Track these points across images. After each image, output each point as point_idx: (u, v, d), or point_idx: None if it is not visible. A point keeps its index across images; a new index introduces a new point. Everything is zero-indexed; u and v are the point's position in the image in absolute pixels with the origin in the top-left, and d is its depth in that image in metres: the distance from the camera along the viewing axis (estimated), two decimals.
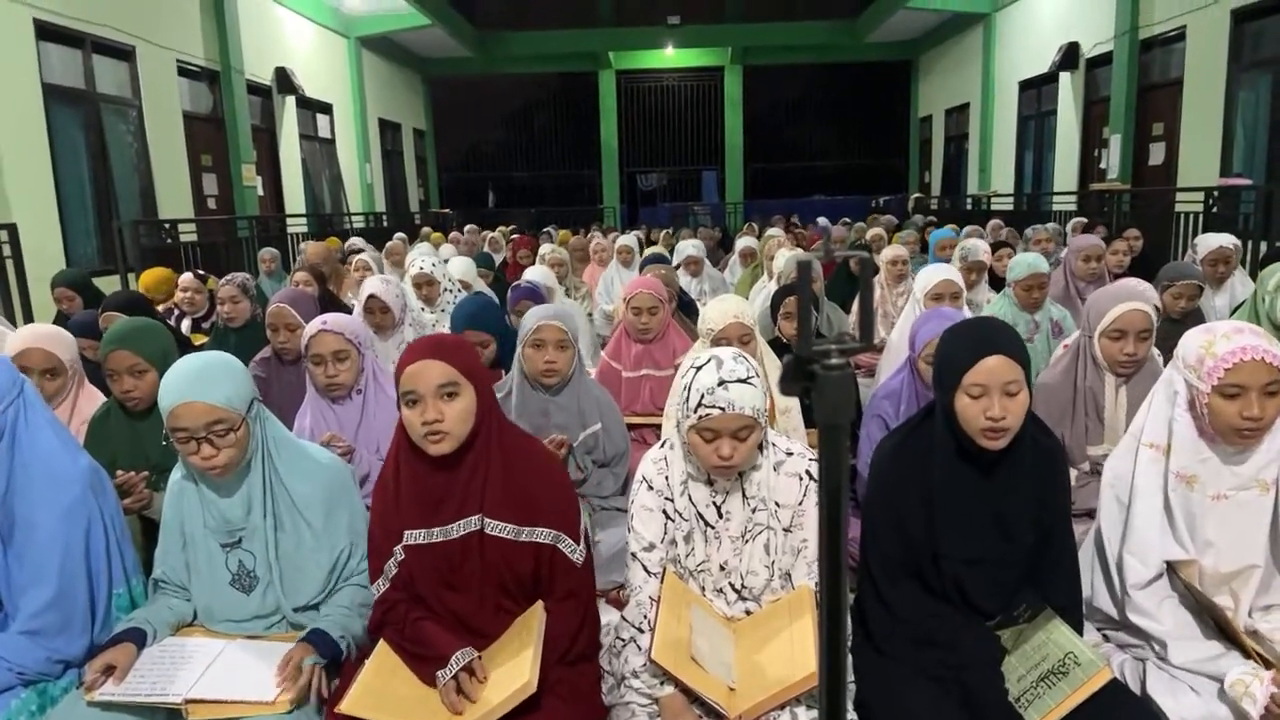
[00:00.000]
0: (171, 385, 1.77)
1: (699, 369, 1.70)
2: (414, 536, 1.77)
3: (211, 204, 9.64)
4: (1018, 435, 1.76)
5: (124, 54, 8.22)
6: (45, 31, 7.09)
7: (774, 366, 2.97)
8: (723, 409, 1.64)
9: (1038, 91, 12.48)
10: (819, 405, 0.70)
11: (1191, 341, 1.81)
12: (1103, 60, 10.38)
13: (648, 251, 6.53)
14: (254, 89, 10.59)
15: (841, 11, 16.99)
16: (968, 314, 2.91)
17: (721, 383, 1.65)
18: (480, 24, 16.50)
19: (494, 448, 1.77)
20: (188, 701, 1.69)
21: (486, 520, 1.75)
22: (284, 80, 11.25)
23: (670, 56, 18.51)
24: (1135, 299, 2.55)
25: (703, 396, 1.66)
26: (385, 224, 13.11)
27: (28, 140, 6.75)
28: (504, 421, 1.84)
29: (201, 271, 5.02)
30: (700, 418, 1.67)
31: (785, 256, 4.80)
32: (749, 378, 1.67)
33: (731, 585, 1.79)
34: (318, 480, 1.89)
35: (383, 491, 1.83)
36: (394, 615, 1.82)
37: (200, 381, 1.76)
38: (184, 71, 9.23)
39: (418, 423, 1.68)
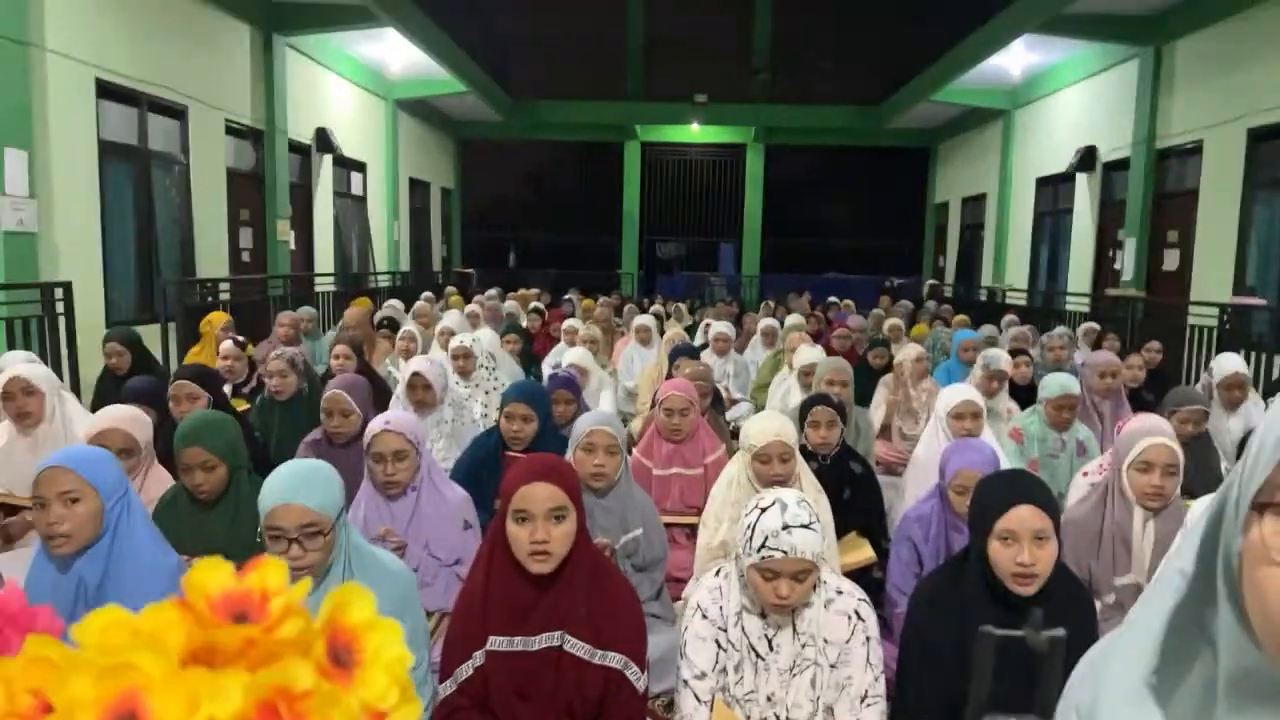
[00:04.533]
0: (275, 486, 1.89)
1: (764, 510, 1.82)
2: (497, 643, 1.87)
3: (245, 257, 9.89)
4: (1047, 583, 1.87)
5: (177, 113, 8.55)
6: (105, 90, 7.41)
7: (808, 477, 3.08)
8: (785, 553, 1.76)
9: (1055, 189, 12.77)
10: None
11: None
12: (1119, 165, 10.66)
13: (672, 335, 6.68)
14: (294, 147, 10.94)
15: (863, 97, 17.49)
16: (995, 444, 3.03)
17: (786, 527, 1.77)
18: (514, 92, 17.02)
19: (583, 568, 1.89)
20: None
21: (567, 637, 1.86)
22: (323, 140, 11.61)
23: (695, 132, 19.01)
24: (1162, 434, 2.69)
25: (766, 539, 1.78)
26: (410, 283, 13.36)
27: (82, 196, 7.01)
28: (589, 542, 1.97)
29: (241, 338, 5.19)
30: (763, 558, 1.78)
31: (806, 351, 4.94)
32: (811, 523, 1.79)
33: (776, 716, 1.88)
34: (388, 589, 2.00)
35: (470, 596, 1.94)
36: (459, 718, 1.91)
37: (302, 485, 1.88)
38: (231, 130, 9.57)
39: (526, 540, 1.80)
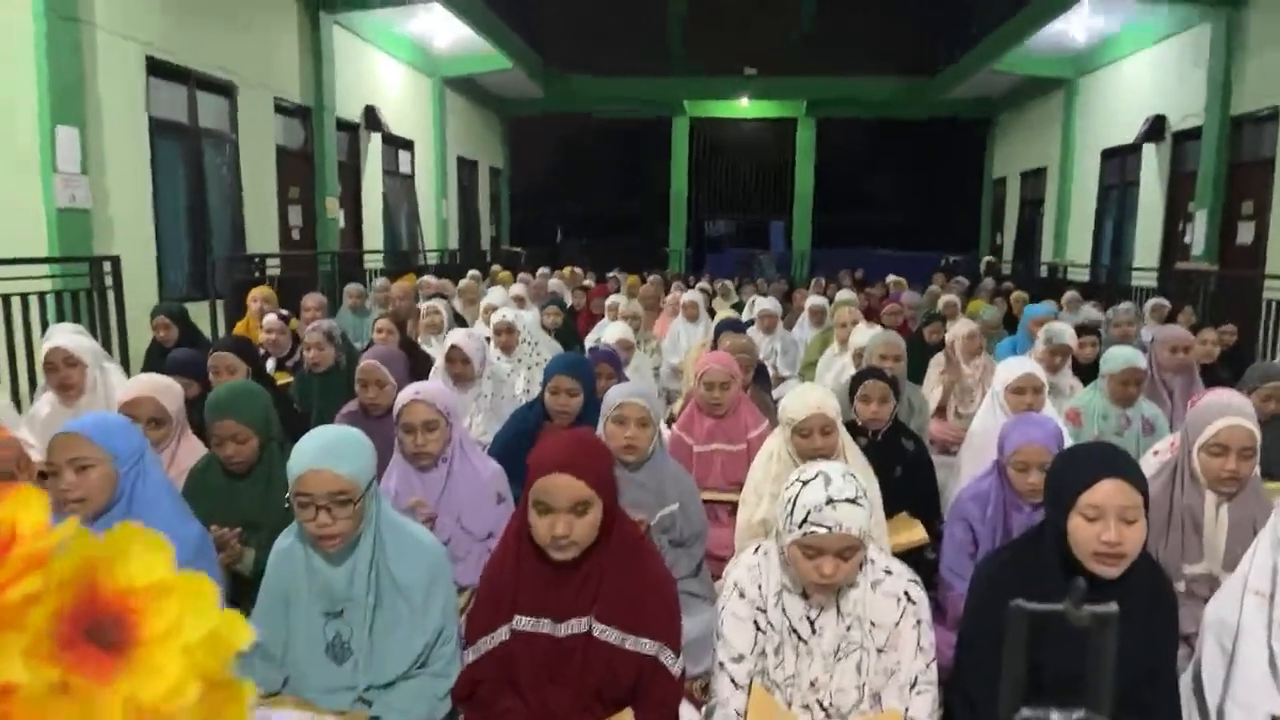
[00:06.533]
0: (305, 452, 1.83)
1: (806, 484, 1.69)
2: (523, 623, 1.79)
3: (295, 235, 9.97)
4: (1130, 568, 1.71)
5: (226, 91, 8.61)
6: (155, 67, 7.47)
7: (854, 453, 2.94)
8: (829, 529, 1.63)
9: (1120, 161, 12.25)
10: None
11: None
12: (1190, 134, 10.17)
13: (721, 315, 6.55)
14: (343, 125, 10.97)
15: (917, 68, 17.00)
16: (1057, 418, 2.86)
17: (830, 501, 1.64)
18: (560, 68, 16.90)
19: (612, 553, 1.79)
20: None
21: (595, 624, 1.77)
22: (372, 118, 11.64)
23: (744, 107, 18.69)
24: (1238, 414, 2.47)
25: (809, 514, 1.65)
26: (458, 261, 13.38)
27: (133, 172, 7.08)
28: (623, 520, 1.87)
29: (285, 312, 5.19)
30: (805, 534, 1.66)
31: (863, 332, 4.76)
32: (857, 497, 1.66)
33: (819, 702, 1.77)
34: (420, 562, 1.93)
35: (499, 568, 1.87)
36: (483, 696, 1.84)
37: (332, 452, 1.82)
38: (280, 108, 9.62)
39: (546, 533, 1.72)
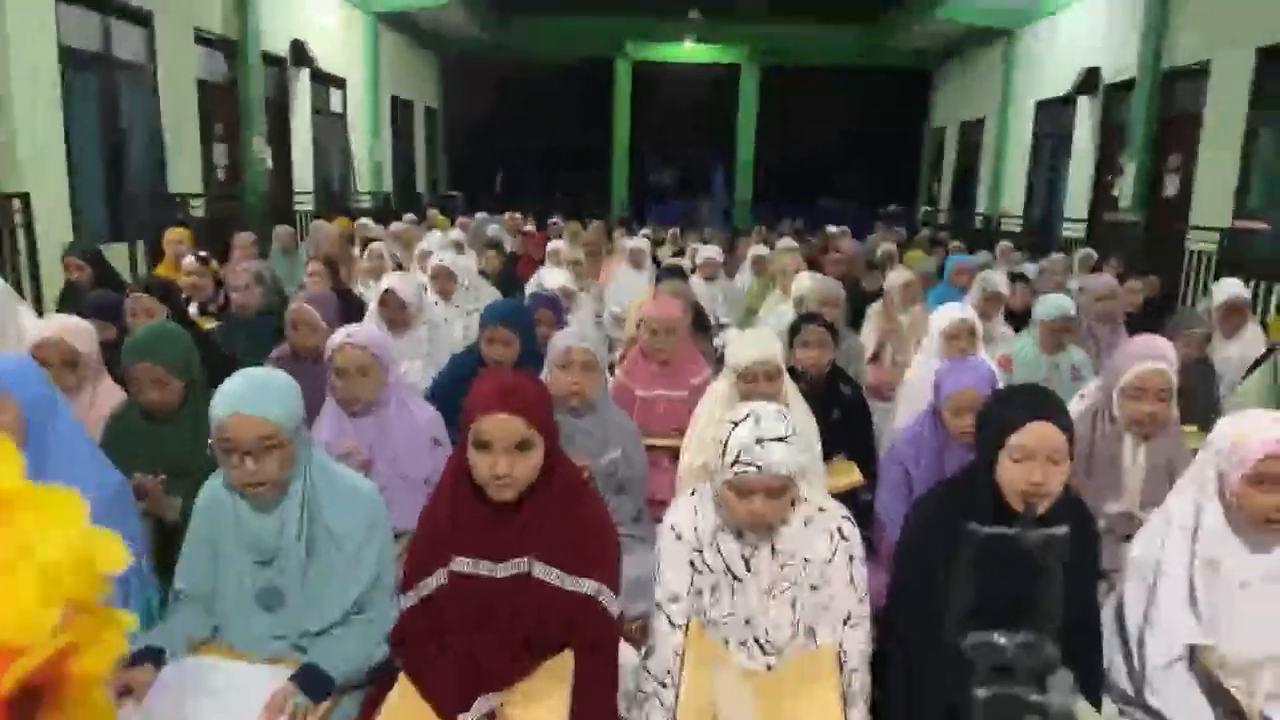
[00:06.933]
0: (227, 395, 1.74)
1: (737, 424, 1.69)
2: (461, 564, 1.76)
3: (220, 174, 9.56)
4: (1055, 504, 1.75)
5: (142, 19, 8.13)
6: None
7: (796, 398, 2.96)
8: (759, 468, 1.64)
9: (1055, 113, 12.45)
10: None
11: (1226, 428, 1.82)
12: (1123, 87, 10.35)
13: (665, 263, 6.51)
14: (269, 60, 10.48)
15: (863, 17, 16.92)
16: (991, 364, 2.91)
17: (759, 440, 1.64)
18: (499, 5, 16.39)
19: (553, 495, 1.77)
20: None
21: (535, 564, 1.75)
22: (299, 53, 11.13)
23: (688, 50, 18.42)
24: (1155, 358, 2.54)
25: (739, 454, 1.65)
26: (394, 205, 13.02)
27: (42, 105, 6.65)
28: (564, 463, 1.84)
29: (204, 254, 4.98)
30: (736, 474, 1.66)
31: (804, 279, 4.77)
32: (787, 436, 1.66)
33: (756, 639, 1.79)
34: (356, 510, 1.88)
35: (435, 510, 1.83)
36: (416, 643, 1.81)
37: (257, 395, 1.74)
38: (201, 40, 9.14)
39: (486, 471, 1.68)
